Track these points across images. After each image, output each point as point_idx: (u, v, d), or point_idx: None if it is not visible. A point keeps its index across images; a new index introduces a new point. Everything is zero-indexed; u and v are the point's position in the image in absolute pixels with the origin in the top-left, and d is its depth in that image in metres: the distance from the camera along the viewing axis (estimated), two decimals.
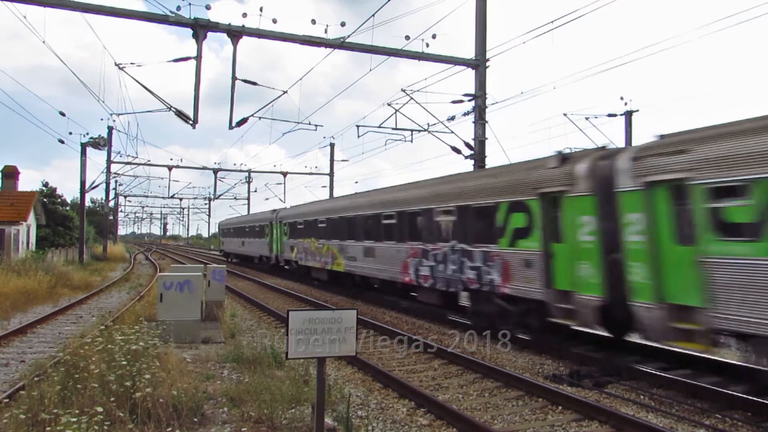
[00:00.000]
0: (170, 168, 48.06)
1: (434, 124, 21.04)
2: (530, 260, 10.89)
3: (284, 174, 50.99)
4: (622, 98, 28.44)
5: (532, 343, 11.28)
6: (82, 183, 36.32)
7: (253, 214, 43.14)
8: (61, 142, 31.66)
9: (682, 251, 8.05)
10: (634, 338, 10.36)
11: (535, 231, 10.80)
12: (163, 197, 69.47)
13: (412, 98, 20.01)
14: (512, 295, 11.46)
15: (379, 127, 22.37)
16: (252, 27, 17.37)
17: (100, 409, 5.38)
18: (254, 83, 19.67)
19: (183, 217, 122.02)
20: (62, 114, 28.28)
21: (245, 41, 38.78)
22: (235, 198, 67.01)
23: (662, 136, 8.87)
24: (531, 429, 6.87)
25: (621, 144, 23.47)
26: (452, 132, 20.39)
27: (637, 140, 23.27)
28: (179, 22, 16.76)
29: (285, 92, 19.84)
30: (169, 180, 58.47)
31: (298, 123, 25.01)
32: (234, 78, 17.85)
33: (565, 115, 24.13)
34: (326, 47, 18.22)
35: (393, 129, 22.16)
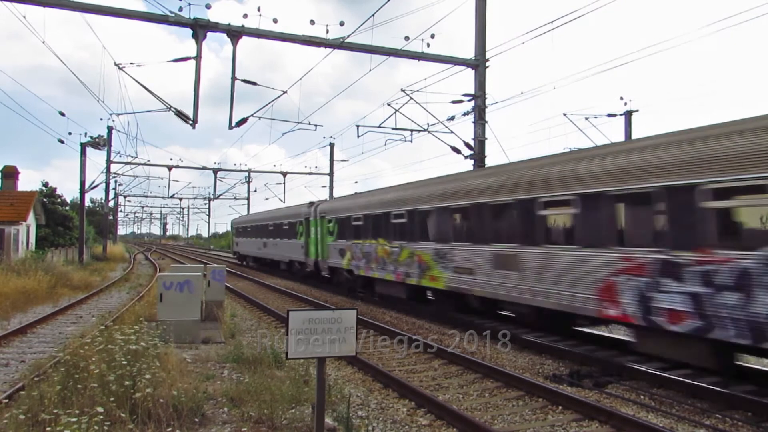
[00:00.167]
0: (170, 168, 48.18)
1: (434, 124, 21.08)
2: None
3: (284, 174, 51.09)
4: (621, 98, 28.45)
5: (532, 343, 11.28)
6: (82, 183, 36.36)
7: (278, 209, 35.41)
8: (61, 142, 31.68)
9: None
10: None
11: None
12: (162, 197, 69.76)
13: (411, 98, 20.02)
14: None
15: (379, 127, 22.42)
16: (252, 27, 17.38)
17: (100, 410, 5.38)
18: (254, 83, 19.69)
19: (183, 217, 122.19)
20: (62, 114, 28.26)
21: (245, 41, 38.70)
22: (234, 198, 67.22)
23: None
24: (531, 429, 6.87)
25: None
26: (452, 132, 20.41)
27: None
28: (179, 22, 16.77)
29: (285, 92, 19.86)
30: (169, 180, 58.76)
31: (298, 123, 25.05)
32: (234, 78, 17.87)
33: (564, 115, 24.23)
34: (326, 47, 18.23)
35: (393, 129, 22.21)
